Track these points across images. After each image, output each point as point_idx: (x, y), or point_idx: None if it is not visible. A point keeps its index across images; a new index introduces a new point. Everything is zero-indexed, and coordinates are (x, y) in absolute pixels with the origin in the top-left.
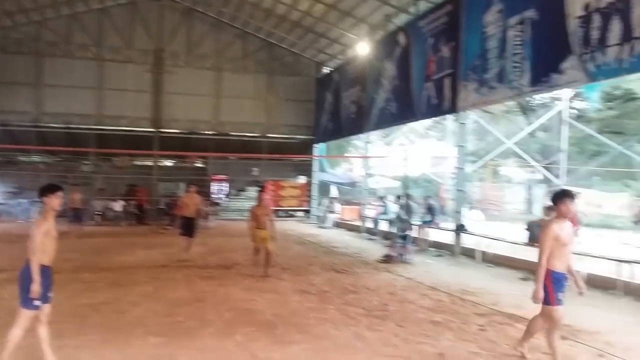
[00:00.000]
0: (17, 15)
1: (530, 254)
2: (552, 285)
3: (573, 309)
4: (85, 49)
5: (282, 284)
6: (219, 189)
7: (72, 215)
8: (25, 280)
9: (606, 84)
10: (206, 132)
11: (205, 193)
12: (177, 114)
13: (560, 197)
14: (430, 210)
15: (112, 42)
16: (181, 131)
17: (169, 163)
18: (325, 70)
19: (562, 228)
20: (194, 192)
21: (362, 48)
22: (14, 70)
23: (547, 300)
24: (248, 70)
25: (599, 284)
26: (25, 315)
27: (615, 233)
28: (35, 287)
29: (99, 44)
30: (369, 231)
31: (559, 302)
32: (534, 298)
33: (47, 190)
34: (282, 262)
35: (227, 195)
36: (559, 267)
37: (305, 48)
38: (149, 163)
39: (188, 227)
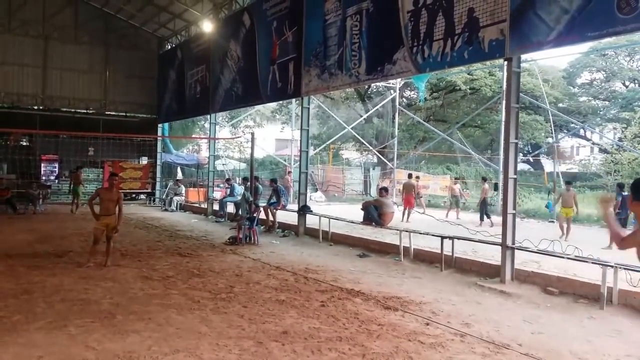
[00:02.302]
0: None
1: (366, 232)
2: None
3: (401, 281)
4: None
5: (122, 271)
6: (48, 170)
7: None
8: None
9: (432, 76)
10: (32, 107)
11: (32, 175)
12: None
13: None
14: (276, 192)
15: None
16: (1, 105)
17: None
18: (168, 46)
19: None
20: None
21: (207, 26)
22: None
23: None
24: (81, 41)
25: (425, 258)
26: None
27: (439, 212)
28: None
29: None
30: (216, 214)
31: None
32: None
33: None
34: (122, 248)
35: (58, 177)
36: None
37: (146, 21)
38: None
39: None
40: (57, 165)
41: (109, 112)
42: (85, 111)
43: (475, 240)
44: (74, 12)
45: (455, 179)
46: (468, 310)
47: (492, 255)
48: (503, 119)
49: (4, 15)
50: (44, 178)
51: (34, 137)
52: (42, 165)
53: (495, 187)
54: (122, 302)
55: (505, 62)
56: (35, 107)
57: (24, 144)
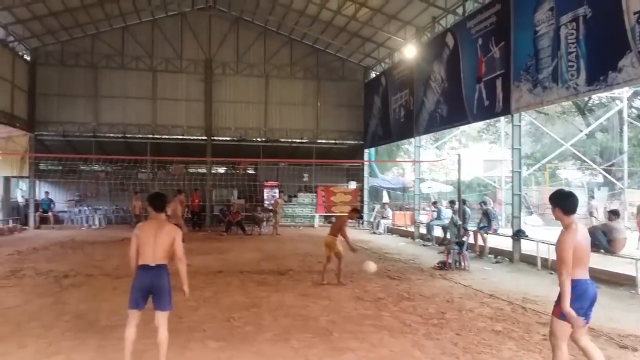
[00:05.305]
0: (74, 29)
1: (593, 261)
2: None
3: (639, 317)
4: (138, 60)
5: (336, 290)
6: (270, 195)
7: (135, 221)
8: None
9: None
10: (256, 139)
11: (257, 199)
12: (227, 121)
13: None
14: (486, 215)
15: (163, 53)
16: (232, 138)
17: (221, 170)
18: (373, 74)
19: None
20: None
21: (410, 51)
22: (72, 83)
23: None
24: (295, 77)
25: None
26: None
27: None
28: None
29: (151, 55)
30: (423, 237)
31: None
32: None
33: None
34: (335, 269)
35: None
36: None
37: (352, 53)
38: (202, 170)
39: None
40: (277, 190)
41: (320, 141)
42: (300, 140)
43: None
44: (289, 51)
45: None
46: None
47: None
48: None
49: (234, 60)
50: (266, 203)
51: (258, 165)
52: (265, 191)
53: None
54: (337, 320)
55: None
56: (259, 139)
57: (250, 172)
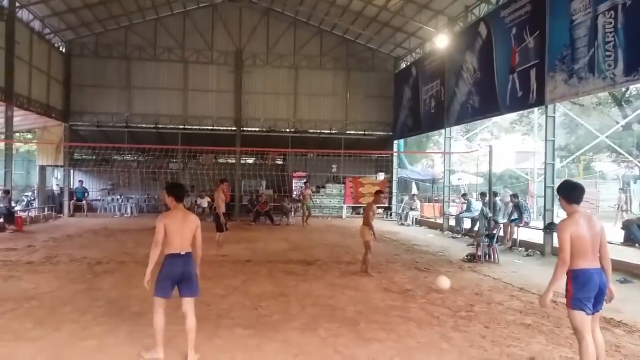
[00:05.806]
0: (107, 21)
1: (627, 255)
2: None
3: None
4: (170, 51)
5: (363, 280)
6: (298, 185)
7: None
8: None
9: None
10: (285, 130)
11: (285, 190)
12: (257, 112)
13: None
14: (517, 207)
15: (195, 44)
16: (261, 129)
17: (250, 160)
18: (403, 64)
19: None
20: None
21: (441, 41)
22: (106, 74)
23: None
24: (325, 67)
25: None
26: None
27: None
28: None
29: (182, 46)
30: (452, 229)
31: None
32: None
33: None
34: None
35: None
36: None
37: (382, 43)
38: (232, 161)
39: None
40: (305, 181)
41: (349, 132)
42: (328, 131)
43: None
44: (319, 42)
45: None
46: None
47: None
48: None
49: (264, 51)
50: (294, 193)
51: (286, 156)
52: (293, 181)
53: None
54: (364, 311)
55: None
56: (288, 130)
57: (279, 162)
